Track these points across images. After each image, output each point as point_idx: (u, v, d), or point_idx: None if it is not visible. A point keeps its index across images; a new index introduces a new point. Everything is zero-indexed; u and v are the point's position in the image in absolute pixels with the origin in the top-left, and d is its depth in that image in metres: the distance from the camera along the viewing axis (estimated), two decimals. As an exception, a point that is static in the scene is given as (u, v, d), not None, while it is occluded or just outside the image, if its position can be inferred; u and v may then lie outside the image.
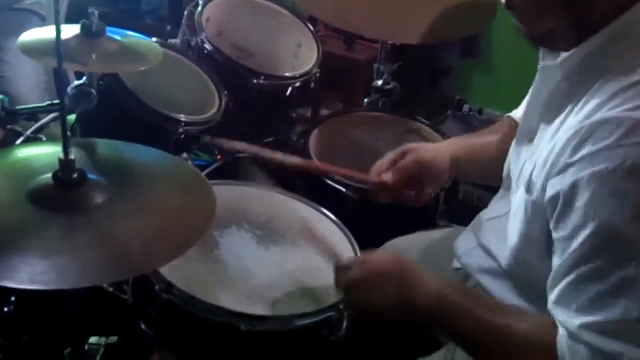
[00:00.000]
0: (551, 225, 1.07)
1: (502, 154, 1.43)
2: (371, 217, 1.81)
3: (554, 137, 1.09)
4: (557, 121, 1.10)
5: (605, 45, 1.04)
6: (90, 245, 1.07)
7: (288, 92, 2.01)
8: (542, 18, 1.08)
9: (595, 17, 1.04)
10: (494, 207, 1.39)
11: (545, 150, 1.09)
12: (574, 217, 1.00)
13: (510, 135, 1.45)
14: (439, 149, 1.54)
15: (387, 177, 1.52)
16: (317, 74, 2.06)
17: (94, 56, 1.37)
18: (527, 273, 1.21)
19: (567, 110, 1.09)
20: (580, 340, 1.01)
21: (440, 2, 1.96)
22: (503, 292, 1.28)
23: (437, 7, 1.94)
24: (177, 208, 1.21)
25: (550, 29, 1.08)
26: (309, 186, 1.88)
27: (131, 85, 1.67)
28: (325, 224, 1.59)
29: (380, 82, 2.15)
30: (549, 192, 1.05)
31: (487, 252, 1.33)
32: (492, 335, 1.12)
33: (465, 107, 3.06)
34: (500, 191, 1.40)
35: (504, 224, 1.26)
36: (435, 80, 3.13)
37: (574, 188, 0.99)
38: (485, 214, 1.42)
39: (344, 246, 1.52)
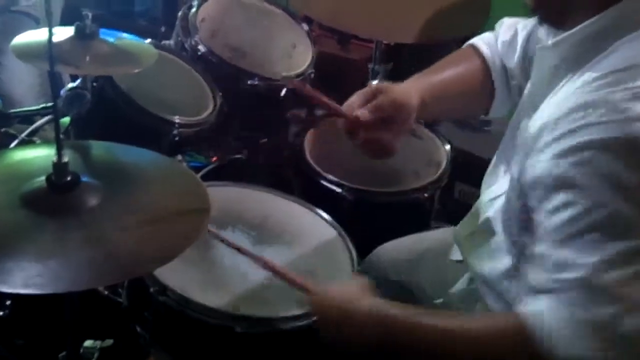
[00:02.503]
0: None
1: (465, 88, 1.46)
2: (366, 217, 1.81)
3: (541, 112, 1.11)
4: (549, 96, 1.12)
5: (601, 31, 1.05)
6: (84, 248, 1.07)
7: (283, 93, 2.00)
8: None
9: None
10: (495, 188, 1.37)
11: (532, 125, 1.10)
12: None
13: (474, 69, 1.47)
14: (409, 90, 1.43)
15: (362, 114, 1.37)
16: (312, 75, 2.06)
17: (87, 58, 1.37)
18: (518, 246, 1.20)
19: (561, 84, 1.10)
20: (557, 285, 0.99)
21: (435, 2, 1.96)
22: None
23: (432, 7, 1.94)
24: (171, 210, 1.20)
25: (561, 6, 1.10)
26: (304, 187, 1.88)
27: (125, 88, 1.67)
28: (320, 224, 1.59)
29: (375, 83, 2.15)
30: (530, 172, 1.06)
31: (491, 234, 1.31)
32: (452, 338, 1.09)
33: (463, 107, 3.05)
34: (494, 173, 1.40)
35: (501, 201, 1.27)
36: (431, 79, 3.12)
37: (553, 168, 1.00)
38: (483, 198, 1.40)
39: (339, 247, 1.52)
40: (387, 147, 1.40)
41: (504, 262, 1.24)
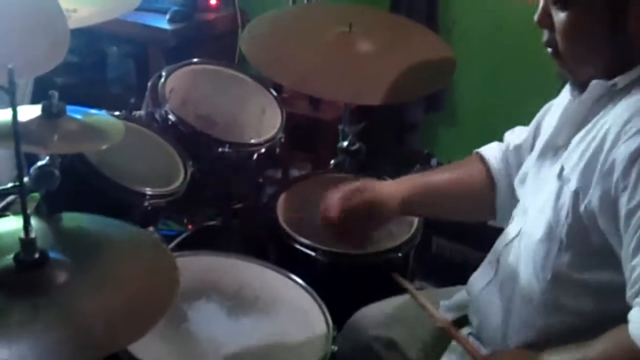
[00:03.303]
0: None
1: (461, 190, 1.51)
2: (342, 279, 1.81)
3: (589, 132, 1.17)
4: (594, 121, 1.18)
5: None
6: (53, 327, 1.06)
7: (254, 158, 2.02)
8: (589, 63, 1.20)
9: (636, 56, 1.16)
10: (509, 232, 1.40)
11: (581, 147, 1.17)
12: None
13: (476, 171, 1.52)
14: (391, 191, 1.50)
15: (333, 216, 1.47)
16: (282, 139, 2.08)
17: (55, 137, 1.37)
18: (546, 273, 1.23)
19: (606, 109, 1.17)
20: None
21: (401, 63, 1.99)
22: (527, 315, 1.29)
23: (398, 68, 1.97)
24: (141, 284, 1.20)
25: (595, 71, 1.19)
26: (279, 251, 1.88)
27: (95, 161, 1.67)
28: (295, 291, 1.58)
29: (345, 144, 2.17)
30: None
31: (510, 276, 1.34)
32: None
33: (433, 161, 3.08)
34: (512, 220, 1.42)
35: (523, 240, 1.29)
36: (402, 136, 3.15)
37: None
38: (498, 245, 1.42)
39: (315, 313, 1.52)
40: (357, 242, 1.57)
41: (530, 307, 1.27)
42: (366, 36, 2.00)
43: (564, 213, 1.19)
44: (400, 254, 1.82)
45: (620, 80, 1.17)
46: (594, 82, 1.20)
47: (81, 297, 1.12)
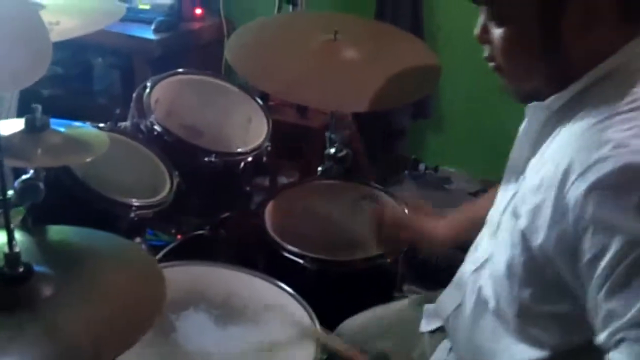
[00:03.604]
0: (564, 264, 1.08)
1: None
2: (331, 286, 1.81)
3: (540, 162, 1.14)
4: (544, 147, 1.16)
5: (587, 88, 1.12)
6: (39, 342, 1.06)
7: (241, 167, 2.02)
8: (527, 79, 1.19)
9: (573, 72, 1.13)
10: (478, 257, 1.38)
11: (532, 175, 1.15)
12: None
13: None
14: (438, 234, 1.64)
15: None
16: (269, 147, 2.08)
17: (39, 151, 1.37)
18: (512, 307, 1.22)
19: (554, 134, 1.15)
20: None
21: (387, 71, 1.99)
22: (494, 337, 1.28)
23: (384, 76, 1.97)
24: (128, 295, 1.20)
25: (534, 87, 1.18)
26: (267, 259, 1.88)
27: (81, 173, 1.67)
28: (284, 299, 1.58)
29: (332, 150, 2.17)
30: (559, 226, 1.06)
31: (479, 305, 1.32)
32: None
33: (421, 167, 3.08)
34: (474, 244, 1.42)
35: (491, 269, 1.28)
36: (390, 142, 3.16)
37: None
38: (466, 269, 1.41)
39: (304, 321, 1.51)
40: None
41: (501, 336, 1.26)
42: (351, 44, 2.00)
43: (517, 251, 1.17)
44: (388, 260, 1.83)
45: (553, 102, 1.16)
46: (531, 105, 1.21)
47: (67, 310, 1.12)
